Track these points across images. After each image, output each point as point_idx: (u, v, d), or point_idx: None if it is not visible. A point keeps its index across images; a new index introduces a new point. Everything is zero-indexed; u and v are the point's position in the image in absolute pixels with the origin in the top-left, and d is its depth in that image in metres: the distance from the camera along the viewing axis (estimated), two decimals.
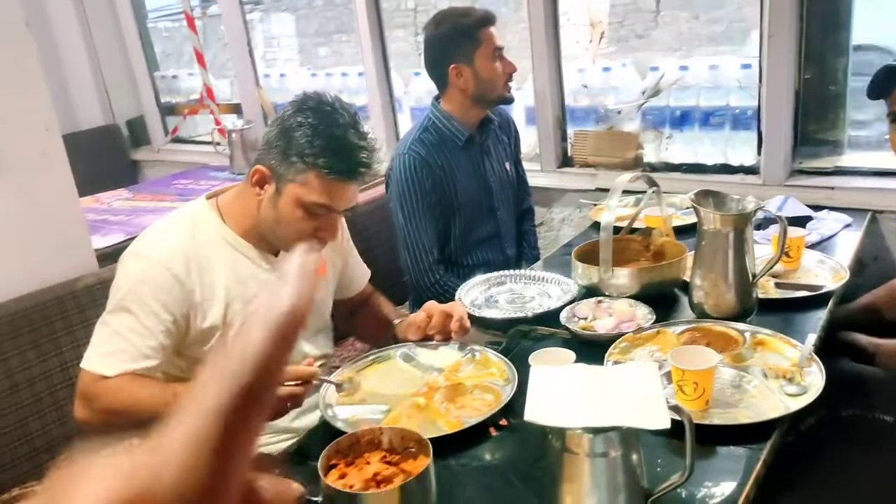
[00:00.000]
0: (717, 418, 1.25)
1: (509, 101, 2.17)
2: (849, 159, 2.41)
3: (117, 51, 4.17)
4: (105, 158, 4.06)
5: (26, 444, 1.72)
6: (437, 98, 2.15)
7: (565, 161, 2.84)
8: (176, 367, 1.44)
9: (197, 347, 1.45)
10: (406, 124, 3.33)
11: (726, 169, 2.54)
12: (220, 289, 1.44)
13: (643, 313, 1.63)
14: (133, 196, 3.43)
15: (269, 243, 1.49)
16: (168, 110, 4.30)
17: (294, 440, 1.43)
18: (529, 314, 1.71)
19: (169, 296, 1.38)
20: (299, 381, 1.36)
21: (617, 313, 1.64)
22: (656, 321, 1.59)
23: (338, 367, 1.61)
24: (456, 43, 2.05)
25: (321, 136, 1.35)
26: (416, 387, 1.46)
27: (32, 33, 1.86)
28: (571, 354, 1.42)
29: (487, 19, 2.06)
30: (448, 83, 2.09)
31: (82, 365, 1.39)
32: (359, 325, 1.81)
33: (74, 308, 1.82)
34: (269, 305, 0.40)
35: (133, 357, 1.36)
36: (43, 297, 1.78)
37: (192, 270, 1.41)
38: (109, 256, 2.44)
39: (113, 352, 1.36)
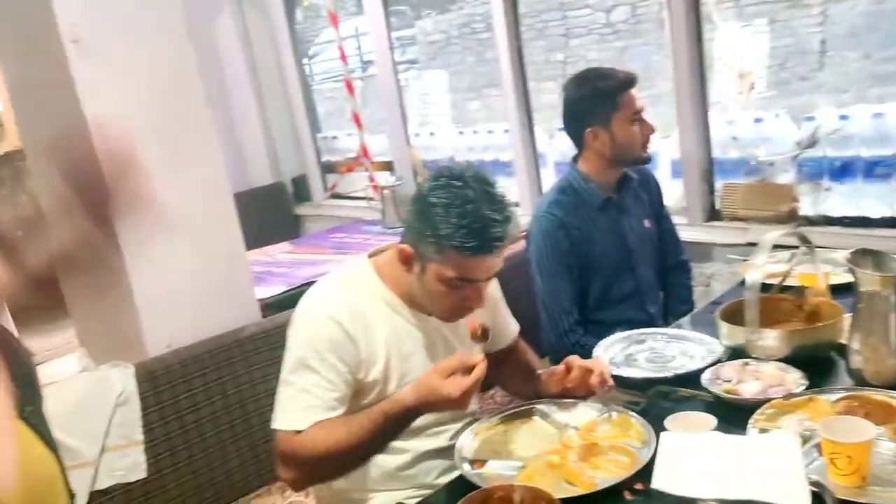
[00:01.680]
0: (876, 497, 1.16)
1: (646, 161, 2.15)
2: None
3: (285, 114, 4.54)
4: (272, 213, 4.40)
5: (192, 480, 1.89)
6: (574, 158, 2.17)
7: (713, 215, 2.76)
8: None
9: (356, 401, 1.49)
10: (549, 179, 3.38)
11: (894, 223, 2.36)
12: (380, 346, 1.49)
13: (794, 378, 1.54)
14: (294, 249, 3.69)
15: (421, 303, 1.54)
16: (328, 168, 4.61)
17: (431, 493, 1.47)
18: (670, 374, 1.67)
19: (343, 350, 1.44)
20: (467, 369, 1.36)
21: (764, 377, 1.56)
22: (809, 387, 1.50)
23: (477, 420, 1.64)
24: (594, 106, 2.05)
25: (453, 216, 1.36)
26: (550, 444, 1.47)
27: (212, 107, 2.11)
28: (712, 420, 1.37)
29: (629, 82, 2.05)
30: (584, 145, 2.10)
31: (275, 426, 1.43)
32: (503, 376, 1.82)
33: (239, 355, 2.00)
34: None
35: (322, 410, 1.41)
36: (211, 345, 1.96)
37: (358, 326, 1.46)
38: (272, 306, 2.64)
39: (304, 408, 1.41)
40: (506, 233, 1.40)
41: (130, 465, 1.79)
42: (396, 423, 1.41)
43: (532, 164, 3.37)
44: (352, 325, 1.45)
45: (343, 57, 4.03)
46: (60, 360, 2.12)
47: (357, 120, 4.07)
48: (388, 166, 4.17)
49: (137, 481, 1.81)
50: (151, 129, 2.00)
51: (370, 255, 1.60)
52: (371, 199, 4.08)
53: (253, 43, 4.38)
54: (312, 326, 1.46)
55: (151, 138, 1.99)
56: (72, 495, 0.98)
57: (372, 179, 4.11)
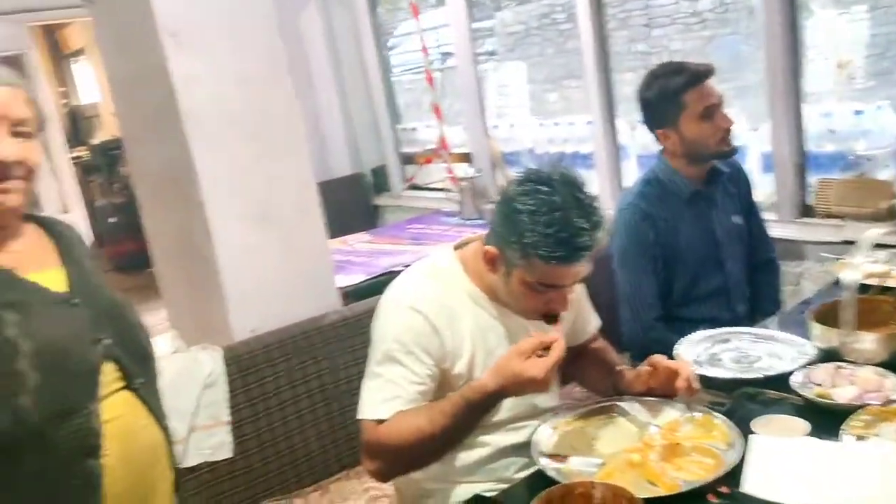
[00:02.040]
0: None
1: (728, 155, 2.07)
2: None
3: (366, 106, 4.61)
4: (352, 203, 4.49)
5: (276, 461, 1.95)
6: (661, 150, 2.12)
7: (805, 211, 2.65)
8: None
9: (441, 393, 1.48)
10: (631, 172, 3.31)
11: None
12: (466, 340, 1.48)
13: (893, 384, 1.47)
14: (373, 239, 3.74)
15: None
16: (406, 159, 4.65)
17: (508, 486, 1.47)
18: (759, 376, 1.61)
19: (429, 342, 1.43)
20: (545, 348, 1.34)
21: (860, 382, 1.49)
22: None
23: (556, 415, 1.62)
24: (660, 108, 2.01)
25: (539, 223, 1.32)
26: (631, 442, 1.44)
27: (298, 100, 2.15)
28: (805, 425, 1.32)
29: (697, 78, 1.98)
30: (661, 144, 2.07)
31: (361, 416, 1.43)
32: (581, 371, 1.78)
33: (320, 342, 2.04)
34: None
35: (406, 402, 1.41)
36: (294, 332, 2.02)
37: (444, 320, 1.45)
38: (351, 294, 2.69)
39: (389, 398, 1.41)
40: (594, 241, 1.34)
41: (217, 444, 1.86)
42: (478, 409, 1.39)
43: (613, 157, 3.31)
44: (437, 317, 1.45)
45: (424, 49, 4.05)
46: (153, 341, 2.21)
47: (437, 111, 4.09)
48: (466, 158, 4.18)
49: (224, 460, 1.88)
50: (242, 121, 2.06)
51: (455, 248, 1.58)
52: (449, 190, 4.10)
53: (336, 36, 4.46)
54: (398, 319, 1.46)
55: (242, 131, 2.06)
56: (175, 469, 1.01)
57: (450, 171, 4.13)
